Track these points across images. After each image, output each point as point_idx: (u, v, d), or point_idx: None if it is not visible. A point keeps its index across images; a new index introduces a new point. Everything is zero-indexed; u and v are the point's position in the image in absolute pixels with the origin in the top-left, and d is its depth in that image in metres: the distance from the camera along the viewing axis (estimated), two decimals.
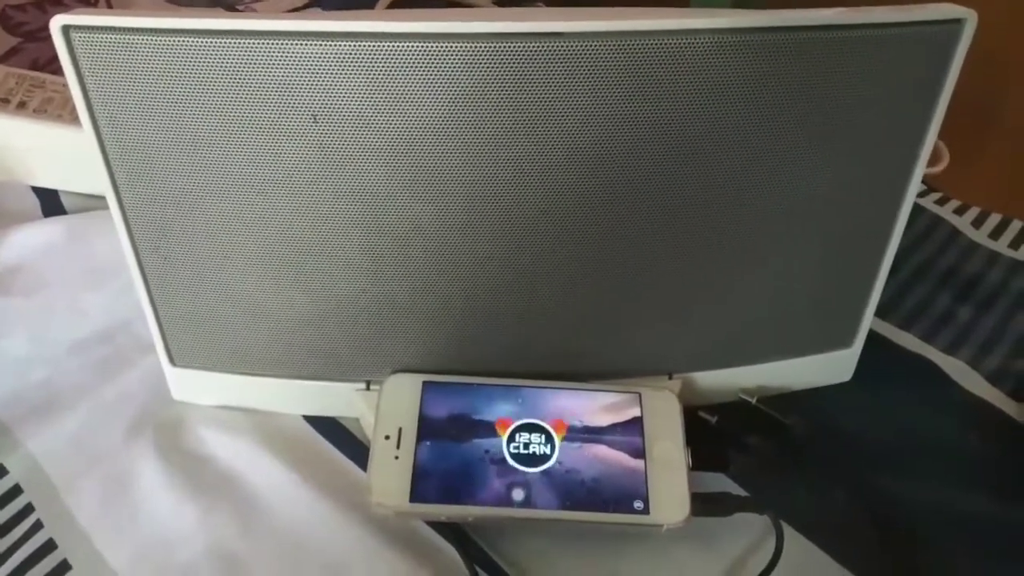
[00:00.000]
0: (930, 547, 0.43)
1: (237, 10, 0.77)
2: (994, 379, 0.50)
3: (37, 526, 0.43)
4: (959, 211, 0.61)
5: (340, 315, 0.42)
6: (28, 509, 0.43)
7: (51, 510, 0.43)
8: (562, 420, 0.42)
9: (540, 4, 0.78)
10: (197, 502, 0.43)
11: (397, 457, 0.41)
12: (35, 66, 0.70)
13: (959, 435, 0.47)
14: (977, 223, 0.60)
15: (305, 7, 0.79)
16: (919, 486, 0.45)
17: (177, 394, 0.47)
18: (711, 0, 0.81)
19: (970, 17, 0.36)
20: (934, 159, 0.61)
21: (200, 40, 0.34)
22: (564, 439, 0.42)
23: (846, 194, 0.41)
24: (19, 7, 0.77)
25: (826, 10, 0.35)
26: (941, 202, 0.61)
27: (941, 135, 0.41)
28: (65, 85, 0.36)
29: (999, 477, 0.46)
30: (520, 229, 0.39)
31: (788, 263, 0.43)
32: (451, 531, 0.42)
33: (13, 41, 0.72)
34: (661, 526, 0.40)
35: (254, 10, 0.78)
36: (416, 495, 0.40)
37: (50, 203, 0.59)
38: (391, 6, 0.76)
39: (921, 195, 0.61)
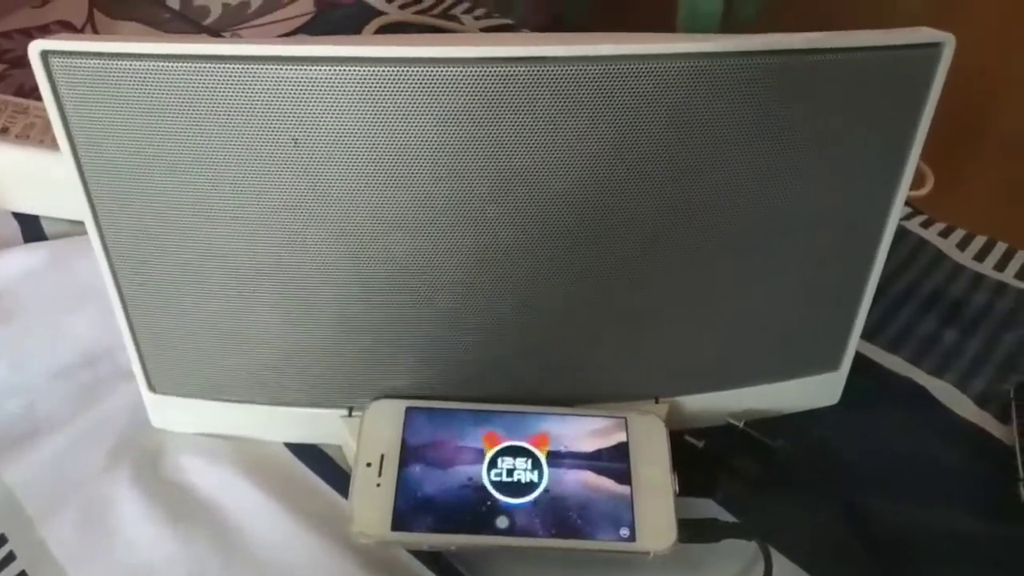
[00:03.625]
0: (919, 569, 0.42)
1: (223, 37, 0.77)
2: (981, 401, 0.50)
3: (10, 558, 0.42)
4: (944, 233, 0.61)
5: (322, 341, 0.42)
6: (1, 540, 0.42)
7: (25, 540, 0.42)
8: (547, 445, 0.42)
9: (526, 30, 0.79)
10: (176, 531, 0.42)
11: (379, 484, 0.40)
12: (21, 92, 0.69)
13: (947, 457, 0.47)
14: (962, 245, 0.60)
15: (292, 33, 0.79)
16: (908, 509, 0.45)
17: (157, 421, 0.47)
18: (697, 25, 0.82)
19: (948, 41, 0.37)
20: (918, 182, 0.62)
21: (178, 65, 0.34)
22: (549, 465, 0.41)
23: (830, 217, 0.41)
24: (5, 34, 0.77)
25: (807, 34, 0.35)
26: (926, 225, 0.61)
27: (925, 158, 0.41)
28: None
29: (987, 499, 0.45)
30: (504, 254, 0.39)
31: (773, 286, 0.43)
32: (434, 560, 0.41)
33: None
34: (648, 553, 0.39)
35: (240, 36, 0.78)
36: (398, 523, 0.39)
37: (31, 229, 0.59)
38: (378, 33, 0.76)
39: (906, 218, 0.62)
